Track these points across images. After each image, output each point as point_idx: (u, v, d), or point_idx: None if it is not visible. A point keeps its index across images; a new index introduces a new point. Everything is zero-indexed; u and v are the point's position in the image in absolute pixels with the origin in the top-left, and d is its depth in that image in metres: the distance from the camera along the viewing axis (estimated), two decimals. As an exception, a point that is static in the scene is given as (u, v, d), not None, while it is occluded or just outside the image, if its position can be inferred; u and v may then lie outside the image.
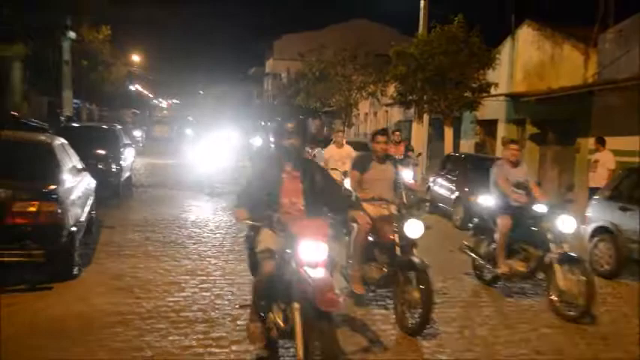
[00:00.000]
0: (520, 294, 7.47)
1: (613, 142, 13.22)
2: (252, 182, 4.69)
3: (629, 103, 14.55)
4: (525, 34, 20.32)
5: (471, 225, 8.34)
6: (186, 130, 42.38)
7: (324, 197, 4.69)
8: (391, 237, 6.08)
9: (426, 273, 5.64)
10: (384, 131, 7.05)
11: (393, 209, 6.35)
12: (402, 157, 13.23)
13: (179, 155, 27.07)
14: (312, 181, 4.66)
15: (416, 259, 5.75)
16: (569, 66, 17.87)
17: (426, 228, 6.16)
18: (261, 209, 4.46)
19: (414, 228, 5.99)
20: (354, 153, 10.91)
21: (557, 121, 18.18)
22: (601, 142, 12.88)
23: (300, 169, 4.67)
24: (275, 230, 4.35)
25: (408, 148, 15.27)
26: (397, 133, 15.14)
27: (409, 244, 6.03)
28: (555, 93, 16.93)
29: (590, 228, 9.21)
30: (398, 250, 6.02)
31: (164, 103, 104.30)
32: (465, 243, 8.13)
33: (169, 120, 57.58)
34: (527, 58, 20.05)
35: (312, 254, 4.04)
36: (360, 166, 6.77)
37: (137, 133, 31.24)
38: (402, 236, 6.02)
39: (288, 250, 4.20)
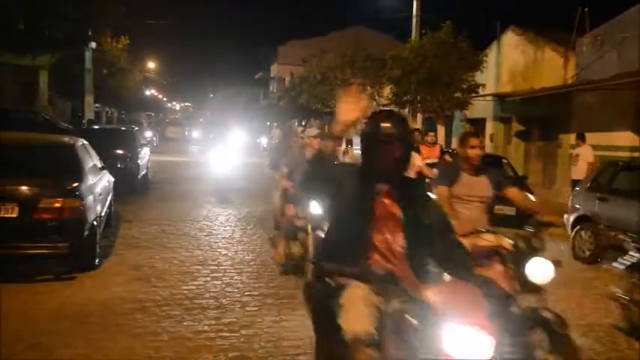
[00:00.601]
0: None
1: (590, 137, 13.21)
2: (323, 207, 3.22)
3: (604, 102, 14.55)
4: (510, 38, 20.26)
5: (621, 264, 5.65)
6: (194, 132, 42.66)
7: (433, 242, 2.87)
8: (497, 278, 3.77)
9: (564, 333, 3.74)
10: (476, 134, 5.02)
11: (506, 242, 4.15)
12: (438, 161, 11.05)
13: (191, 154, 27.05)
14: (417, 211, 2.89)
15: (546, 313, 3.81)
16: (550, 68, 17.82)
17: (556, 266, 3.95)
18: (340, 252, 2.84)
19: (541, 270, 3.89)
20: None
21: (540, 119, 18.15)
22: (581, 138, 12.86)
23: (399, 193, 2.91)
24: (384, 292, 2.68)
25: (443, 151, 12.54)
26: (431, 133, 12.69)
27: (533, 292, 3.96)
28: (538, 93, 16.89)
29: (572, 217, 9.20)
30: (514, 299, 3.95)
31: (177, 106, 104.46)
32: (618, 289, 5.58)
33: (182, 121, 57.57)
34: (512, 61, 19.99)
35: (471, 349, 2.33)
36: (448, 178, 4.75)
37: (149, 134, 30.66)
38: (524, 281, 3.91)
39: (412, 321, 2.50)
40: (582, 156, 12.53)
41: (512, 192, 4.83)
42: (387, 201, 2.90)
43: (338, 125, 2.86)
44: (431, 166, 9.52)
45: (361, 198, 2.86)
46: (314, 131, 7.38)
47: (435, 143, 12.12)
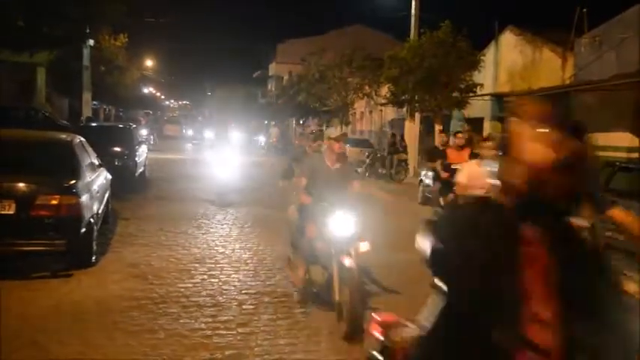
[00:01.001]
0: None
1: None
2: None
3: (602, 102, 14.57)
4: (508, 38, 20.29)
5: None
6: (191, 130, 42.38)
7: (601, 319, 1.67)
8: None
9: None
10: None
11: None
12: None
13: (189, 152, 27.03)
14: (576, 268, 1.70)
15: None
16: (549, 68, 17.85)
17: None
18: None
19: None
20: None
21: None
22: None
23: (550, 239, 1.72)
24: None
25: (475, 155, 9.45)
26: (459, 135, 10.46)
27: None
28: (536, 93, 16.91)
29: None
30: None
31: (175, 104, 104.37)
32: None
33: (180, 119, 57.49)
34: (510, 61, 20.02)
35: None
36: None
37: (144, 132, 29.25)
38: None
39: None
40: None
41: (621, 214, 3.63)
42: (535, 250, 1.74)
43: (515, 171, 1.70)
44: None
45: (503, 246, 1.72)
46: (334, 132, 6.08)
47: (464, 146, 9.88)
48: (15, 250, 6.13)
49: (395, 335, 2.43)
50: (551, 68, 17.66)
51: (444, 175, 9.55)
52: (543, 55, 18.33)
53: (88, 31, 18.46)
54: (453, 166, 8.86)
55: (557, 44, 17.75)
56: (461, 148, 9.93)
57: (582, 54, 16.07)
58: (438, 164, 10.08)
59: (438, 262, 1.79)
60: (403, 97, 20.58)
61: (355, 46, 29.87)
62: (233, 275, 6.89)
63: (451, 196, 7.06)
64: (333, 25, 52.01)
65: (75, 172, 6.80)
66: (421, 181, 14.51)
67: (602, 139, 14.13)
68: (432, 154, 11.29)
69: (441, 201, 9.38)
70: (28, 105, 20.88)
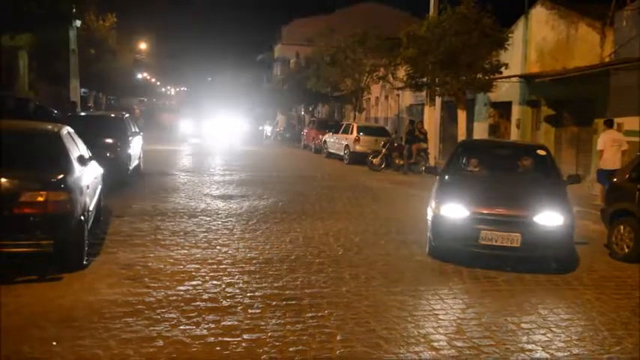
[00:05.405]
0: None
1: (630, 122, 13.07)
2: None
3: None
4: (539, 13, 20.05)
5: None
6: (190, 120, 37.98)
7: None
8: None
9: None
10: None
11: None
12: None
13: (188, 143, 27.09)
14: None
15: None
16: (585, 45, 17.62)
17: None
18: None
19: None
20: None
21: (573, 102, 17.98)
22: (608, 124, 12.82)
23: None
24: None
25: None
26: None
27: None
28: (571, 73, 16.71)
29: (609, 211, 9.13)
30: None
31: (172, 91, 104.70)
32: None
33: (177, 108, 57.63)
34: (541, 38, 19.79)
35: None
36: None
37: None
38: None
39: None
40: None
41: None
42: None
43: None
44: None
45: None
46: None
47: None
48: (-2, 251, 6.14)
49: None
50: (588, 45, 17.44)
51: None
52: (579, 31, 18.10)
53: (73, 10, 18.45)
54: None
55: (594, 18, 17.51)
56: None
57: (624, 29, 15.84)
58: None
59: None
60: (422, 80, 20.44)
61: (368, 24, 29.75)
62: (237, 276, 6.88)
63: None
64: (343, 3, 51.86)
65: (63, 165, 6.80)
66: None
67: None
68: None
69: None
70: (15, 94, 20.96)
